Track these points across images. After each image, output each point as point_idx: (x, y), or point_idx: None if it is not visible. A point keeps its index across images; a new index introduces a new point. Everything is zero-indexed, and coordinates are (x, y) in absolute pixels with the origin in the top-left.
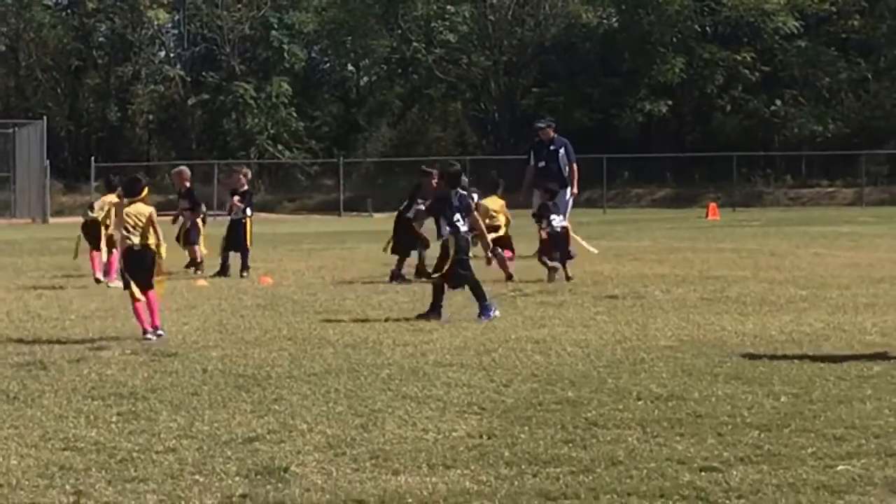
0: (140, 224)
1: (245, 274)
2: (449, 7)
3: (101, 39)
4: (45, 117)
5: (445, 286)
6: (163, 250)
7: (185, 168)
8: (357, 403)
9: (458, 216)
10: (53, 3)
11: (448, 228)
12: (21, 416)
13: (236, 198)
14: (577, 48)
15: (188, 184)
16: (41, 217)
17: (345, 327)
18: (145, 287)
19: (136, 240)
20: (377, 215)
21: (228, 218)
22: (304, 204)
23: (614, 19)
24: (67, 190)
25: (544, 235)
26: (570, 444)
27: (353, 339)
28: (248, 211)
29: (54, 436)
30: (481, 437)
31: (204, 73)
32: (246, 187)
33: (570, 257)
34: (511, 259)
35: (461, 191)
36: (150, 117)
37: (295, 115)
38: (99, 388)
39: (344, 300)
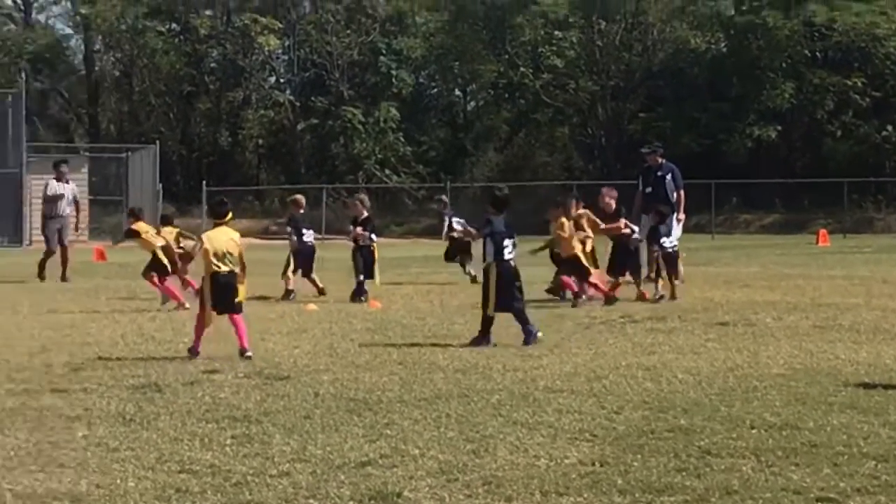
0: (228, 250)
1: (363, 299)
2: (556, 32)
3: (212, 65)
4: (157, 142)
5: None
6: (244, 282)
7: (300, 196)
8: (468, 429)
9: (507, 241)
10: (166, 29)
11: (492, 255)
12: (137, 439)
13: (359, 228)
14: (684, 73)
15: (302, 211)
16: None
17: (454, 352)
18: (230, 311)
19: (223, 266)
20: None
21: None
22: (411, 228)
23: (723, 44)
24: (179, 213)
25: (656, 256)
26: (684, 473)
27: (462, 364)
28: (374, 237)
29: (170, 458)
30: (593, 464)
31: (313, 98)
32: (366, 214)
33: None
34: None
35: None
36: (260, 142)
37: (402, 139)
38: (213, 411)
39: (453, 325)
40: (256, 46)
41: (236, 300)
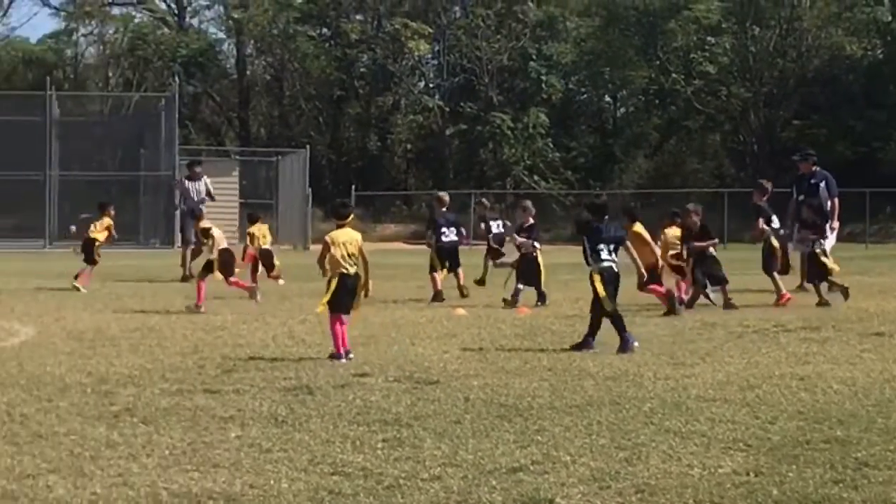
0: (353, 252)
1: (540, 303)
2: (709, 38)
3: (362, 70)
4: (307, 146)
5: (601, 319)
6: (370, 284)
7: (443, 194)
8: (620, 436)
9: (602, 246)
10: (317, 33)
11: (593, 260)
12: (290, 440)
13: (523, 235)
14: (840, 80)
15: (445, 209)
16: (302, 244)
17: (604, 359)
18: (345, 312)
19: (350, 268)
20: None
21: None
22: (559, 234)
23: (879, 51)
24: (327, 217)
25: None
26: (841, 485)
27: (613, 372)
28: (537, 244)
29: (322, 460)
30: (748, 474)
31: (462, 104)
32: (531, 221)
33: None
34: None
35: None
36: (409, 147)
37: (551, 145)
38: (364, 414)
39: (602, 332)
40: (406, 51)
41: (354, 302)
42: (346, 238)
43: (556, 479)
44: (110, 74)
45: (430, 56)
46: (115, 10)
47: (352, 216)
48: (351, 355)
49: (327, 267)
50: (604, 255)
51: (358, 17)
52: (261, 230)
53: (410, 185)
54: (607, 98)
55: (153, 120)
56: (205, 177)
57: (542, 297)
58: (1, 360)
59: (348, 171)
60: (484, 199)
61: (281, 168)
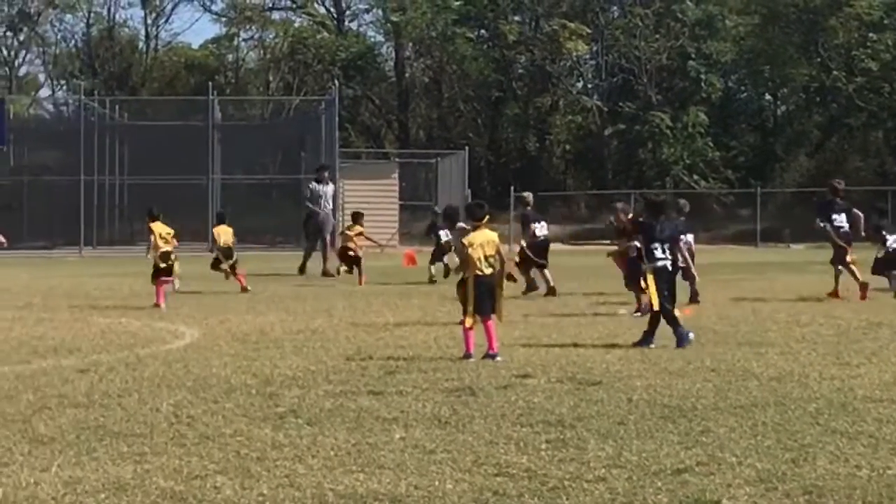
0: (491, 253)
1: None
2: (871, 35)
3: (520, 71)
4: (466, 147)
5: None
6: (503, 282)
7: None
8: (786, 437)
9: (656, 245)
10: (475, 35)
11: (647, 259)
12: (453, 441)
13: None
14: None
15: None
16: None
17: (769, 359)
18: (488, 313)
19: (486, 269)
20: (794, 246)
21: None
22: (719, 234)
23: None
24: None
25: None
26: None
27: (777, 372)
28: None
29: (486, 461)
30: None
31: (620, 104)
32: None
33: None
34: None
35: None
36: (567, 147)
37: (711, 144)
38: (527, 415)
39: (766, 332)
40: (564, 52)
41: (495, 303)
42: (484, 239)
43: (722, 481)
44: (270, 78)
45: (588, 56)
46: (276, 15)
47: (487, 217)
48: (499, 358)
49: (457, 267)
50: (657, 253)
51: (516, 18)
52: (222, 230)
53: (569, 185)
54: (767, 96)
55: (313, 123)
56: (331, 182)
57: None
58: (167, 362)
59: (507, 172)
60: (526, 194)
61: (440, 170)
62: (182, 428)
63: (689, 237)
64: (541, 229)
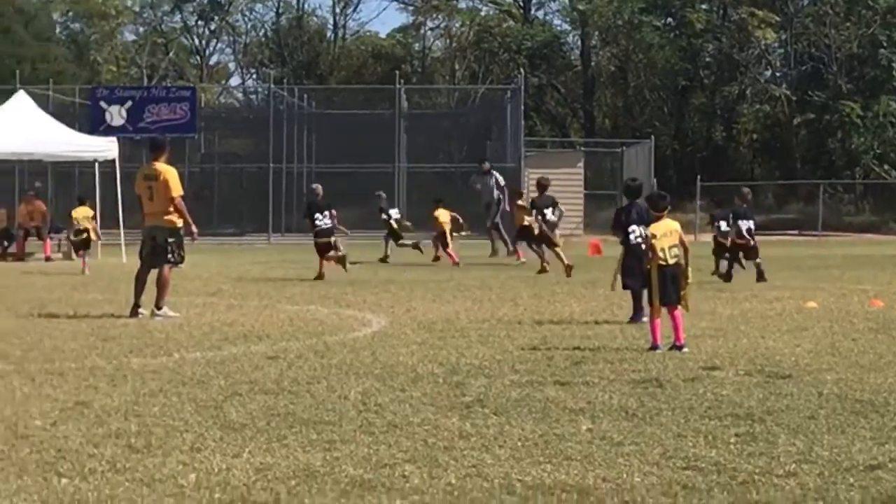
0: (674, 242)
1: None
2: None
3: (707, 59)
4: (651, 136)
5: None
6: (689, 272)
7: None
8: None
9: (633, 227)
10: (662, 23)
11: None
12: (641, 433)
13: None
14: None
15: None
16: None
17: None
18: (673, 303)
19: (670, 260)
20: None
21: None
22: None
23: None
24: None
25: None
26: None
27: None
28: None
29: (675, 454)
30: None
31: (809, 93)
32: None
33: None
34: None
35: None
36: (755, 136)
37: None
38: (715, 408)
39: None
40: (753, 40)
41: (680, 292)
42: (666, 229)
43: None
44: (456, 67)
45: (776, 44)
46: (462, 4)
47: (668, 208)
48: (686, 349)
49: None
50: (632, 236)
51: (703, 6)
52: (81, 212)
53: (756, 175)
54: None
55: (499, 112)
56: (495, 173)
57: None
58: (355, 350)
59: (693, 161)
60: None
61: (626, 159)
62: (370, 416)
63: (750, 223)
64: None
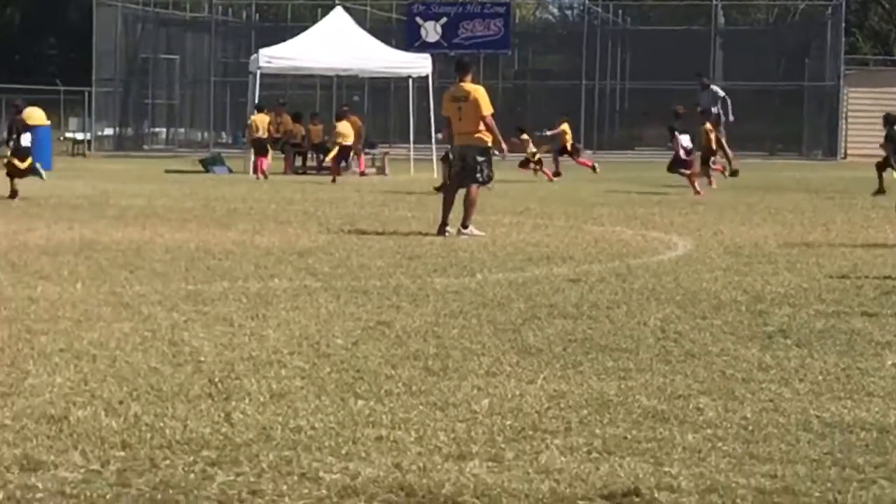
0: None
1: None
2: None
3: None
4: None
5: None
6: None
7: None
8: None
9: None
10: None
11: None
12: None
13: None
14: None
15: None
16: None
17: None
18: None
19: None
20: None
21: None
22: None
23: None
24: None
25: None
26: None
27: None
28: None
29: None
30: None
31: None
32: None
33: None
34: None
35: None
36: None
37: None
38: None
39: None
40: None
41: None
42: None
43: None
44: None
45: None
46: None
47: None
48: None
49: None
50: None
51: None
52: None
53: None
54: None
55: (819, 28)
56: (714, 87)
57: None
58: (657, 274)
59: None
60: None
61: None
62: (668, 344)
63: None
64: None
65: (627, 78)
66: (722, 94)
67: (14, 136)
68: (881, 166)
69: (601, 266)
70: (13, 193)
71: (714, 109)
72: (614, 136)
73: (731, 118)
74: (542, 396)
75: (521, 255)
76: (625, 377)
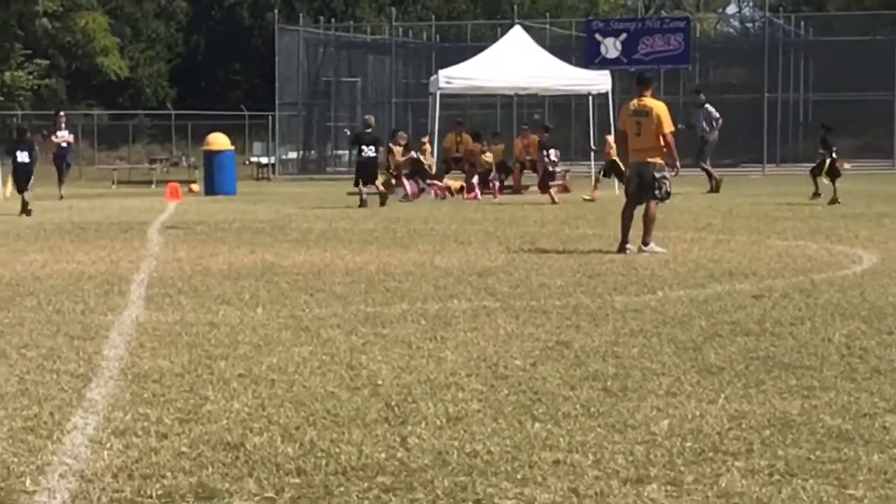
0: None
1: None
2: None
3: None
4: None
5: None
6: None
7: None
8: None
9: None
10: None
11: None
12: None
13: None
14: None
15: None
16: None
17: None
18: None
19: None
20: None
21: None
22: None
23: None
24: None
25: None
26: None
27: None
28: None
29: None
30: None
31: None
32: None
33: None
34: None
35: None
36: None
37: None
38: None
39: None
40: None
41: None
42: None
43: None
44: None
45: None
46: None
47: None
48: None
49: None
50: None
51: None
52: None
53: None
54: None
55: None
56: (708, 106)
57: None
58: (843, 289)
59: None
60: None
61: None
62: (853, 361)
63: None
64: None
65: (811, 90)
66: (716, 115)
67: None
68: None
69: (784, 281)
70: None
71: (705, 125)
72: (798, 149)
73: (714, 137)
74: (723, 417)
75: (702, 272)
76: (808, 396)
